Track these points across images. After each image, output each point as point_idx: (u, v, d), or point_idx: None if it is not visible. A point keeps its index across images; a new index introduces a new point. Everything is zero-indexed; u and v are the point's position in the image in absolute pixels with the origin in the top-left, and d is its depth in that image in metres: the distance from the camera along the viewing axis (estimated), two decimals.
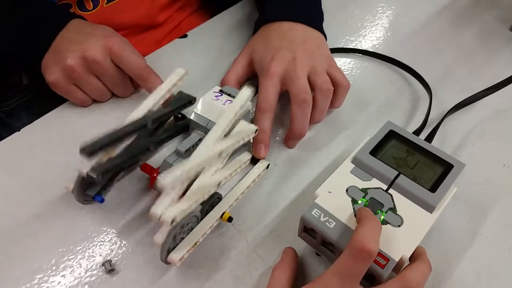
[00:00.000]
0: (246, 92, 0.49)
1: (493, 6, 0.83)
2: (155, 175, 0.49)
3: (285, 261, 0.44)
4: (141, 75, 0.58)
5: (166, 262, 0.43)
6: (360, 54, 0.72)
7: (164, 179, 0.38)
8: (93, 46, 0.56)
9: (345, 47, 0.73)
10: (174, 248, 0.43)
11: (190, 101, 0.52)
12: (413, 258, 0.41)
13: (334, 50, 0.71)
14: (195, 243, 0.44)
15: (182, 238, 0.44)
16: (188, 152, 0.48)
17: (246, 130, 0.49)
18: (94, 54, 0.55)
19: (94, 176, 0.42)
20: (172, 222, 0.39)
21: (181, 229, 0.43)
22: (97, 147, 0.41)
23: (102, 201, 0.48)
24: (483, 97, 0.61)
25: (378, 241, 0.37)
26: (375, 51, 0.71)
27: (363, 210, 0.41)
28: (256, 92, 0.58)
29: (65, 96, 0.60)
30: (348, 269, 0.36)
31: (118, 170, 0.49)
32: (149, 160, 0.54)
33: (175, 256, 0.42)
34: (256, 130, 0.50)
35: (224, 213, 0.48)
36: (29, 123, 0.59)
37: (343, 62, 0.71)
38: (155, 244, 0.41)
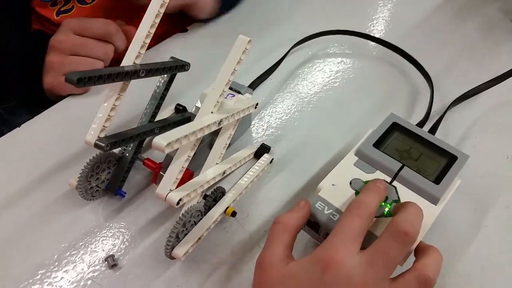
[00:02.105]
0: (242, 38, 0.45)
1: None
2: (157, 170, 0.49)
3: (293, 215, 0.40)
4: (108, 31, 0.61)
5: (171, 257, 0.43)
6: (363, 38, 0.71)
7: (163, 139, 0.37)
8: (55, 35, 0.60)
9: (349, 28, 0.71)
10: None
11: (184, 65, 0.51)
12: (418, 252, 0.40)
13: (337, 32, 0.70)
14: (199, 238, 0.44)
15: (185, 234, 0.44)
16: None
17: (246, 102, 0.48)
18: (57, 38, 0.60)
19: (103, 145, 0.42)
20: (178, 203, 0.39)
21: (184, 227, 0.43)
22: (84, 75, 0.39)
23: (123, 195, 0.49)
24: (486, 89, 0.61)
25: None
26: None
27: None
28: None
29: (65, 90, 0.61)
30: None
31: (126, 160, 0.49)
32: (152, 155, 0.54)
33: (179, 251, 0.42)
34: (257, 104, 0.49)
35: (227, 207, 0.47)
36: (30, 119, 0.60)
37: (344, 48, 0.70)
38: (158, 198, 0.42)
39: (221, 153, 0.48)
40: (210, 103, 0.43)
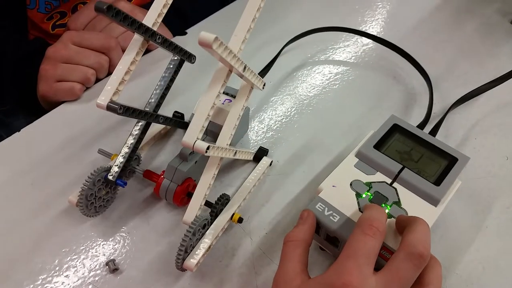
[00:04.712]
0: None
1: None
2: (159, 181, 0.48)
3: (300, 230, 0.40)
4: (107, 44, 0.61)
5: (182, 269, 0.42)
6: (363, 37, 0.71)
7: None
8: (52, 45, 0.61)
9: (349, 27, 0.71)
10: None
11: (191, 55, 0.51)
12: (400, 226, 0.40)
13: (337, 29, 0.70)
14: (209, 247, 0.44)
15: (193, 245, 0.43)
16: (192, 154, 0.48)
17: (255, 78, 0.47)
18: (53, 48, 0.61)
19: (116, 107, 0.41)
20: (207, 150, 0.38)
21: (194, 236, 0.42)
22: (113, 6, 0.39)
23: (124, 184, 0.48)
24: (487, 91, 0.61)
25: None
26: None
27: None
28: None
29: (57, 97, 0.62)
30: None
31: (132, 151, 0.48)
32: (152, 166, 0.54)
33: (191, 262, 0.42)
34: (264, 84, 0.49)
35: (234, 214, 0.47)
36: (28, 122, 0.60)
37: (343, 49, 0.70)
38: (183, 223, 0.42)
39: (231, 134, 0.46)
40: (235, 46, 0.41)
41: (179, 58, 0.50)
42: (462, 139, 0.58)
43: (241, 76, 0.43)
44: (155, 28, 0.44)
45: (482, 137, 0.59)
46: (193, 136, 0.39)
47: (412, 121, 0.60)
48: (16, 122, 0.64)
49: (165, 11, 0.45)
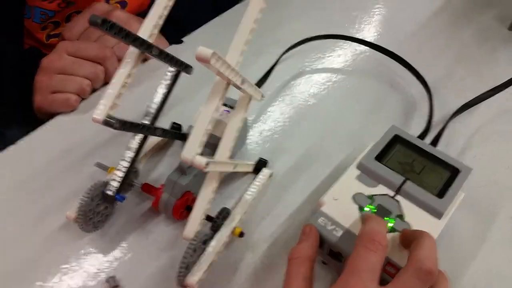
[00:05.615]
0: None
1: (490, 5, 0.83)
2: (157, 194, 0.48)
3: (303, 247, 0.40)
4: (102, 54, 0.61)
5: (183, 286, 0.41)
6: (361, 45, 0.70)
7: None
8: (47, 56, 0.61)
9: (346, 34, 0.71)
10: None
11: (188, 66, 0.50)
12: (406, 242, 0.40)
13: (334, 37, 0.70)
14: (211, 263, 0.43)
15: (194, 262, 0.42)
16: (191, 167, 0.47)
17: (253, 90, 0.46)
18: (48, 59, 0.60)
19: (113, 122, 0.40)
20: (207, 165, 0.38)
21: (194, 253, 0.41)
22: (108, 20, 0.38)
23: (123, 199, 0.47)
24: (487, 98, 0.60)
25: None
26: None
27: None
28: None
29: (53, 108, 0.61)
30: None
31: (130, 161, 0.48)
32: (150, 178, 0.54)
33: (192, 279, 0.41)
34: (262, 95, 0.48)
35: (235, 228, 0.46)
36: (22, 132, 0.59)
37: (340, 57, 0.70)
38: (184, 238, 0.41)
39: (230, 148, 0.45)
40: (233, 59, 0.41)
41: (176, 69, 0.50)
42: (462, 148, 0.58)
43: (239, 88, 0.43)
44: (151, 40, 0.43)
45: (483, 145, 0.58)
46: (192, 151, 0.38)
47: (412, 130, 0.59)
48: (10, 133, 0.63)
49: (161, 22, 0.44)
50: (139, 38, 0.42)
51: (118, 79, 0.42)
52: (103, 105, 0.41)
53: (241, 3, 0.81)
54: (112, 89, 0.41)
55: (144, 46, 0.42)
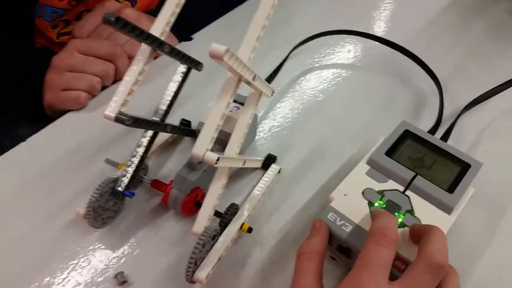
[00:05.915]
0: None
1: None
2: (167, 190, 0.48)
3: (313, 242, 0.40)
4: (113, 52, 0.61)
5: (192, 281, 0.41)
6: (370, 40, 0.70)
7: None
8: (58, 54, 0.61)
9: (354, 30, 0.70)
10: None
11: (198, 63, 0.50)
12: (416, 236, 0.39)
13: (343, 32, 0.69)
14: (219, 258, 0.43)
15: (203, 257, 0.42)
16: (201, 163, 0.47)
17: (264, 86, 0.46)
18: (59, 57, 0.60)
19: (124, 118, 0.40)
20: (217, 161, 0.37)
21: (203, 248, 0.41)
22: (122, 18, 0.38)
23: (132, 195, 0.47)
24: (498, 93, 0.60)
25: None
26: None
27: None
28: None
29: (63, 106, 0.61)
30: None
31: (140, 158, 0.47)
32: (159, 175, 0.54)
33: (201, 274, 0.41)
34: (273, 91, 0.48)
35: (243, 223, 0.46)
36: (33, 130, 0.59)
37: (349, 52, 0.70)
38: (193, 234, 0.41)
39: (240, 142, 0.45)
40: (245, 56, 0.41)
41: (186, 66, 0.50)
42: (473, 142, 0.57)
43: (250, 84, 0.43)
44: (163, 38, 0.43)
45: (493, 140, 0.58)
46: (202, 148, 0.38)
47: (422, 125, 0.59)
48: (21, 130, 0.64)
49: (173, 20, 0.44)
50: (151, 35, 0.42)
51: (131, 76, 0.42)
52: (115, 102, 0.41)
53: (248, 1, 0.81)
54: (124, 86, 0.41)
55: (156, 43, 0.42)
